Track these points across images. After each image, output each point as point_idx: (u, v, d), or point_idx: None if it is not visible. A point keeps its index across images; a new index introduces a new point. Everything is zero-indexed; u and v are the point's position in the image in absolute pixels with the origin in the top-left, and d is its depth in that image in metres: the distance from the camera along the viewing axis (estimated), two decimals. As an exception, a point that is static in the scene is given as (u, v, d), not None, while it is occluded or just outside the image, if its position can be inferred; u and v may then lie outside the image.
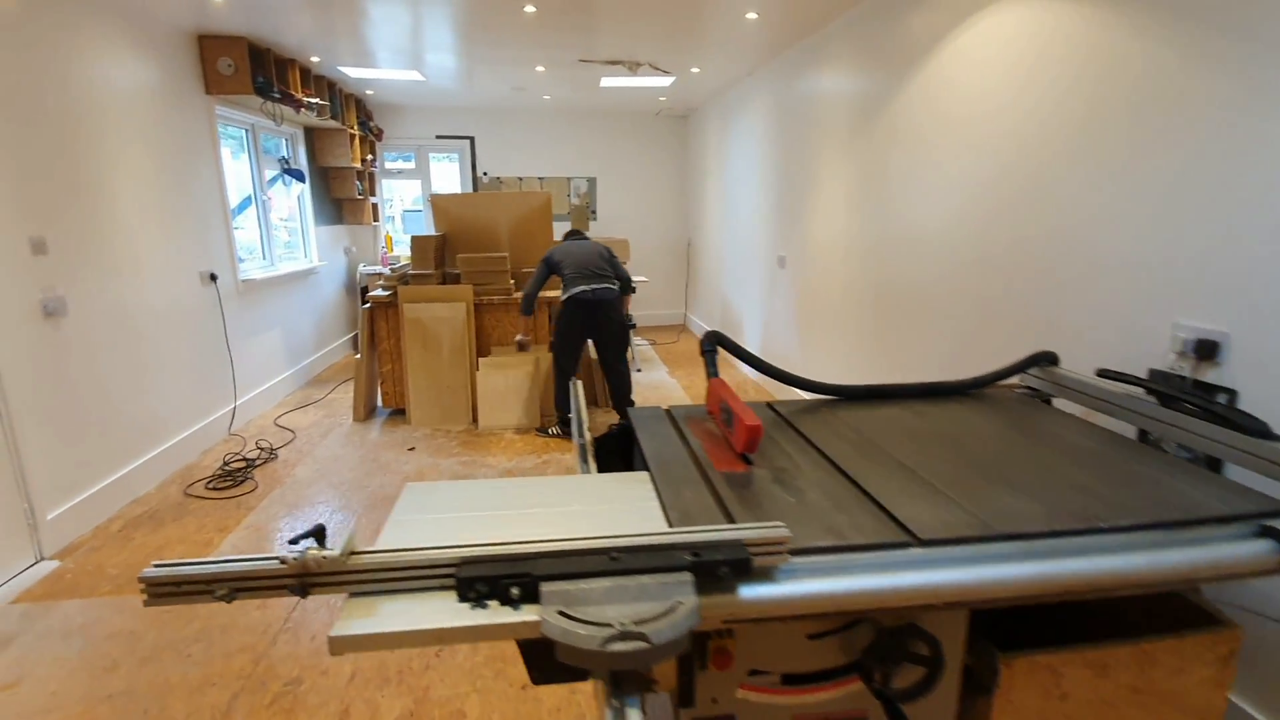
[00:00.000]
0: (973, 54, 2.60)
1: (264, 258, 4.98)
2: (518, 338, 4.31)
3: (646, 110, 7.22)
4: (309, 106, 4.75)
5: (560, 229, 5.02)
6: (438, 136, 6.95)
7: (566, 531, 1.02)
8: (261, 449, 3.86)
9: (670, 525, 1.13)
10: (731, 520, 1.13)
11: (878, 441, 1.48)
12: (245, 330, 4.45)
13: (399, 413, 4.54)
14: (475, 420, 4.34)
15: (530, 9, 3.57)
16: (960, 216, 2.72)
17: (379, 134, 6.61)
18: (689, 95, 6.23)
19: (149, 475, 3.37)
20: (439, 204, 4.71)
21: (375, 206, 6.74)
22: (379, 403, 4.70)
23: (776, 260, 4.78)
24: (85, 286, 2.99)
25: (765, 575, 0.97)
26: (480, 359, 4.29)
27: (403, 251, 7.10)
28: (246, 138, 4.81)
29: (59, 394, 2.81)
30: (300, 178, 5.35)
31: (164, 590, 0.89)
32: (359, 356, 4.36)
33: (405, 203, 11.05)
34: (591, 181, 7.44)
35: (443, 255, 4.73)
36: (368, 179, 6.47)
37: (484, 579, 0.90)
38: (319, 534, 0.92)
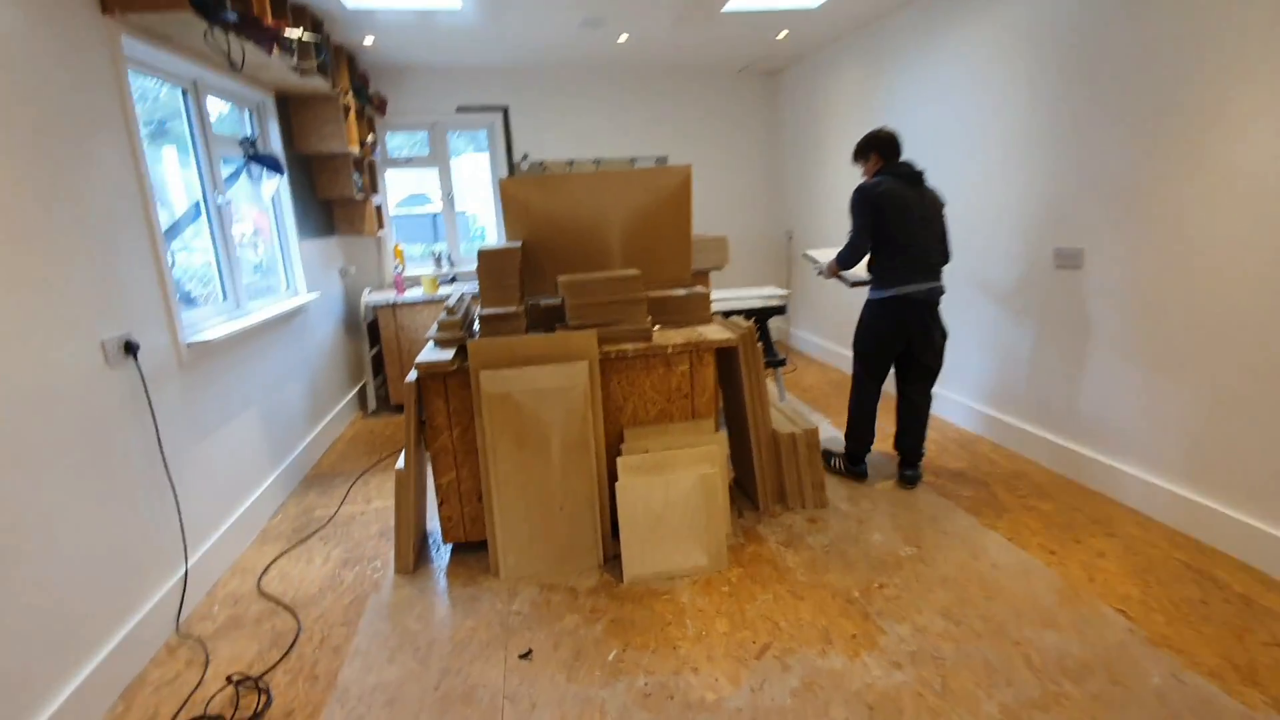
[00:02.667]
0: None
1: (224, 298, 3.10)
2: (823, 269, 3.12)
3: (727, 67, 5.42)
4: (286, 44, 2.88)
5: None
6: (459, 109, 5.08)
7: None
8: (246, 685, 2.00)
9: None
10: None
11: None
12: (197, 428, 2.58)
13: (470, 548, 2.71)
14: (610, 558, 2.54)
15: None
16: None
17: (381, 105, 4.73)
18: (816, 31, 4.46)
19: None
20: (513, 194, 2.88)
21: (379, 210, 4.86)
22: (431, 524, 2.88)
23: (1052, 257, 3.03)
24: None
25: None
26: (618, 457, 2.48)
27: (421, 270, 5.22)
28: (185, 103, 2.92)
29: None
30: (275, 168, 3.47)
31: None
32: (401, 468, 2.52)
33: (393, 204, 9.01)
34: (661, 161, 5.63)
35: (524, 279, 2.91)
36: (368, 171, 4.60)
37: None
38: None
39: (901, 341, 2.91)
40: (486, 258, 2.58)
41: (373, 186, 4.78)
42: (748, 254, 6.02)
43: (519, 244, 2.76)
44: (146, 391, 2.24)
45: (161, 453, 2.30)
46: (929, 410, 3.03)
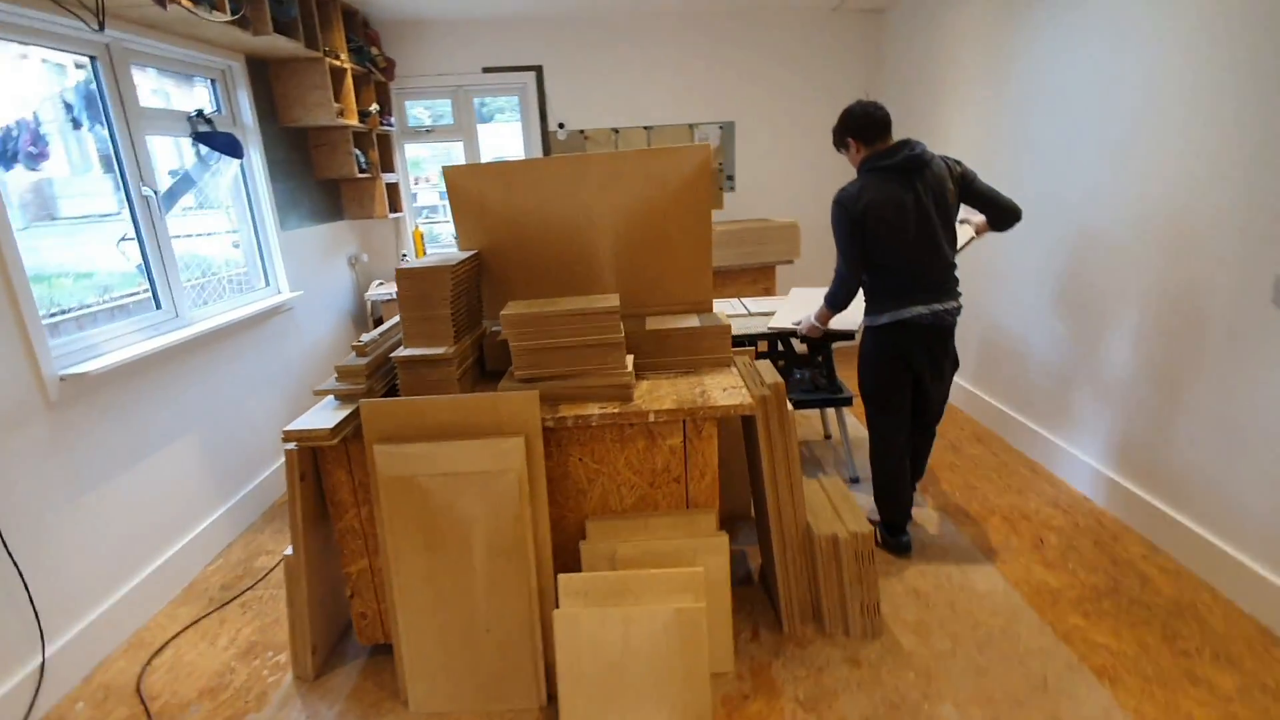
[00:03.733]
0: None
1: (155, 305, 2.64)
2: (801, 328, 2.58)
3: (817, 4, 4.35)
4: (190, -8, 2.28)
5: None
6: (485, 70, 4.39)
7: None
8: None
9: None
10: None
11: None
12: (80, 477, 2.13)
13: (386, 650, 2.12)
14: (555, 696, 1.86)
15: None
16: None
17: (388, 69, 4.13)
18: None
19: None
20: (462, 186, 2.17)
21: (393, 188, 4.31)
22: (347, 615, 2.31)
23: (1272, 288, 1.94)
24: None
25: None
26: (560, 575, 1.77)
27: (444, 253, 4.66)
28: (96, 74, 2.42)
29: None
30: (231, 150, 2.95)
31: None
32: (290, 552, 1.94)
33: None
34: (727, 128, 4.70)
35: (479, 304, 2.20)
36: (375, 145, 4.03)
37: None
38: None
39: (912, 372, 2.33)
40: (408, 279, 1.90)
41: (386, 163, 4.23)
42: (830, 240, 4.98)
43: (458, 259, 2.06)
44: (-34, 452, 1.77)
45: (-6, 526, 1.84)
46: (929, 453, 2.54)
